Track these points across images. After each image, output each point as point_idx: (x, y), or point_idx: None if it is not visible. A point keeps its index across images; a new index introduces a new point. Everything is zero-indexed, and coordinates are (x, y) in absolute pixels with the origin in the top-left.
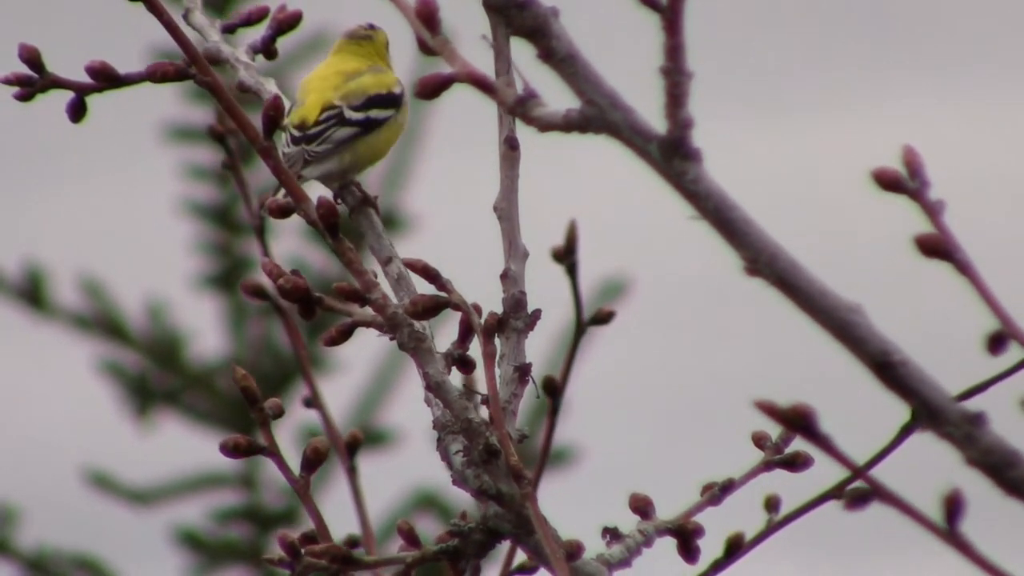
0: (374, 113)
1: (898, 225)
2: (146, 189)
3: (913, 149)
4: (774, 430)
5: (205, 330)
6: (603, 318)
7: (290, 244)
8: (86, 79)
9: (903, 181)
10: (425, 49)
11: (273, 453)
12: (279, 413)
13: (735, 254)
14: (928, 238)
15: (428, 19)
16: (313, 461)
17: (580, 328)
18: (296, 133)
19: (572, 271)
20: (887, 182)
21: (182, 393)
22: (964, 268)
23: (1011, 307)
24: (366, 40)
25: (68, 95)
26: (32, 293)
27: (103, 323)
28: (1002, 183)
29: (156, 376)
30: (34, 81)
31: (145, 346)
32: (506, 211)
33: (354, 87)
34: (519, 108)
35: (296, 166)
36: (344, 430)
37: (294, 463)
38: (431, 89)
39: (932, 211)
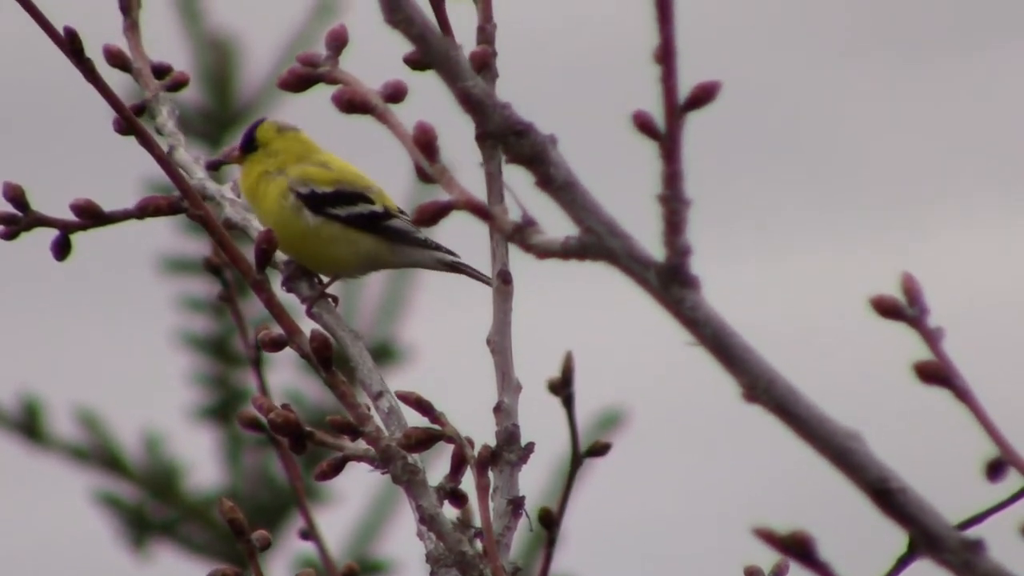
0: None
1: (897, 352)
2: (142, 320)
3: (912, 276)
4: (771, 559)
5: (202, 461)
6: (599, 450)
7: (287, 376)
8: (71, 216)
9: (902, 308)
10: (423, 176)
11: None
12: (266, 545)
13: (734, 381)
14: (927, 365)
15: (426, 147)
16: None
17: (576, 460)
18: (407, 218)
19: (568, 403)
20: (886, 309)
21: (179, 524)
22: (963, 395)
23: (1010, 434)
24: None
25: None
26: (29, 425)
27: (100, 455)
28: (1002, 309)
29: (153, 507)
30: (18, 219)
31: (142, 477)
32: (499, 344)
33: None
34: (517, 235)
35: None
36: (341, 561)
37: None
38: (429, 216)
39: (931, 338)
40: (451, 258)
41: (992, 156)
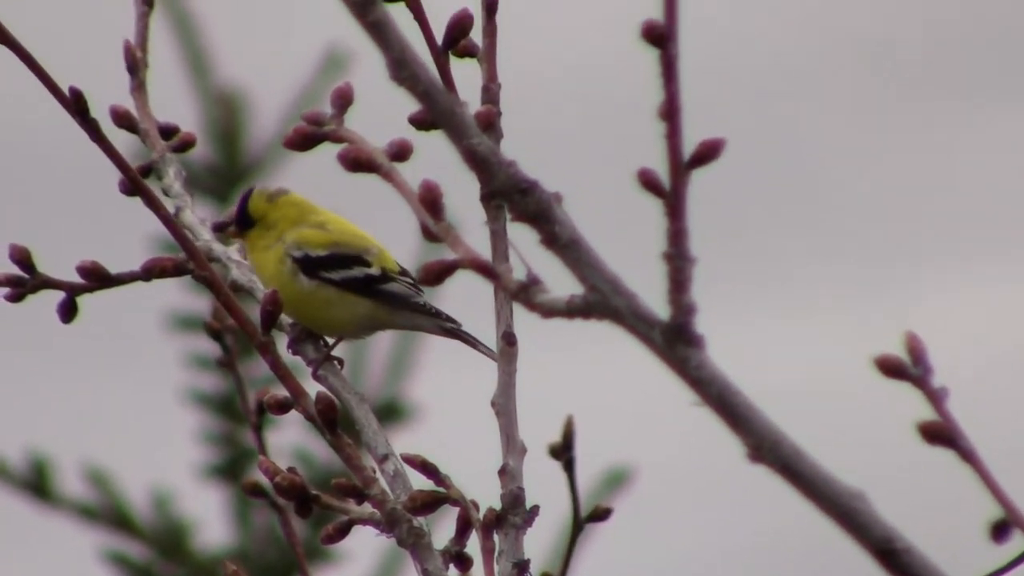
0: None
1: (901, 412)
2: (150, 378)
3: (916, 336)
4: None
5: (211, 520)
6: (601, 515)
7: (295, 435)
8: (78, 278)
9: (906, 368)
10: (428, 235)
11: None
12: None
13: (739, 440)
14: (931, 425)
15: (432, 205)
16: None
17: (577, 525)
18: (408, 281)
19: (569, 467)
20: (890, 369)
21: None
22: (967, 455)
23: (1015, 495)
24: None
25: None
26: (37, 483)
27: (109, 513)
28: (1007, 371)
29: (162, 566)
30: (25, 281)
31: (151, 535)
32: (504, 406)
33: None
34: (522, 294)
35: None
36: None
37: None
38: (435, 275)
39: (935, 398)
40: (450, 325)
41: (994, 214)
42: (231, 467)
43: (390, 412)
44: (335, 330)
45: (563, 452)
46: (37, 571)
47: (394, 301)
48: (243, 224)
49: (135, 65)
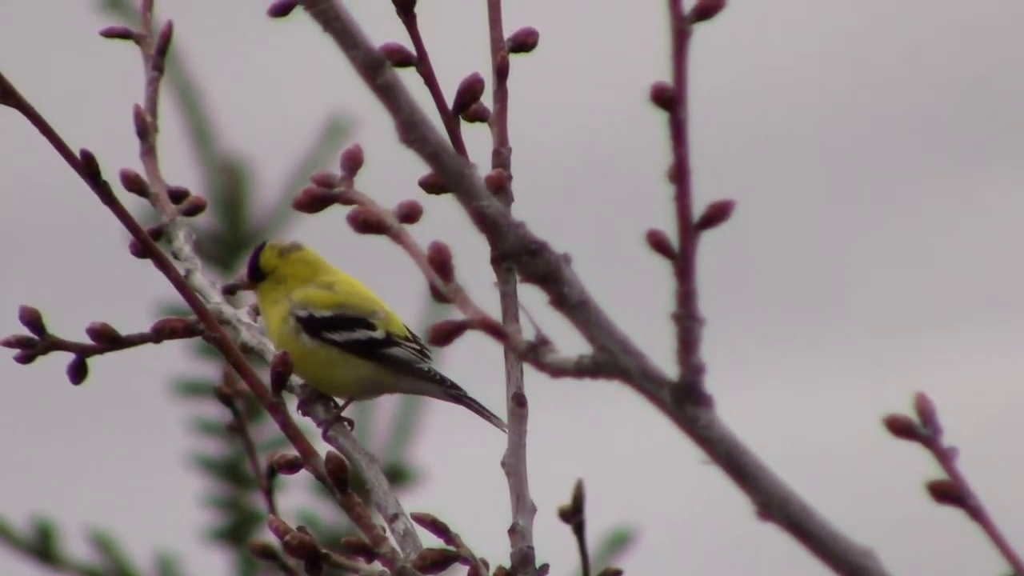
0: None
1: (910, 470)
2: (156, 443)
3: (925, 396)
4: None
5: None
6: None
7: (300, 498)
8: (87, 339)
9: (915, 428)
10: (438, 296)
11: None
12: None
13: (748, 499)
14: (941, 484)
15: (441, 266)
16: None
17: None
18: (415, 346)
19: (579, 530)
20: (899, 429)
21: None
22: (976, 514)
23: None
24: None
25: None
26: (42, 547)
27: None
28: (1014, 432)
29: None
30: (35, 343)
31: None
32: (514, 466)
33: None
34: (531, 354)
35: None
36: None
37: None
38: (444, 335)
39: (944, 457)
40: (455, 392)
41: (994, 280)
42: (236, 531)
43: (395, 475)
44: (340, 391)
45: (573, 515)
46: None
47: (397, 365)
48: (254, 276)
49: (145, 130)
